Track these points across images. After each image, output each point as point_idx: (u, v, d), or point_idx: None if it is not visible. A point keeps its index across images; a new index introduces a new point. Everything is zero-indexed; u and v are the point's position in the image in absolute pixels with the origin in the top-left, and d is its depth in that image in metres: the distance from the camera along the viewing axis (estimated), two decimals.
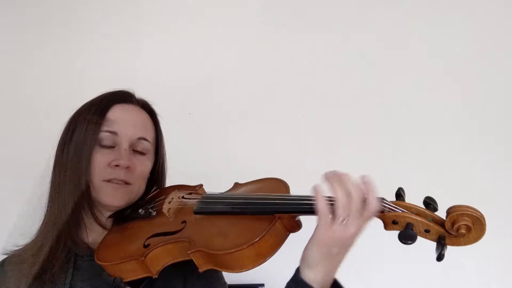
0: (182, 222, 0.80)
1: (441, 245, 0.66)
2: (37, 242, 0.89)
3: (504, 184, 1.36)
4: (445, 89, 1.41)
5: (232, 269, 0.70)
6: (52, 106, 1.51)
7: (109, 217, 0.90)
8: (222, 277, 0.94)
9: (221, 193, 0.85)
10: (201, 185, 0.93)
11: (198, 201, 0.81)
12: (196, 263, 0.73)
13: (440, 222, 0.68)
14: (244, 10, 1.57)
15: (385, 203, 0.69)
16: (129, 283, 0.80)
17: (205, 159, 1.53)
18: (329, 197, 0.67)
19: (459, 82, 1.41)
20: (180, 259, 0.77)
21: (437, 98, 1.41)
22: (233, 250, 0.67)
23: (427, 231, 0.68)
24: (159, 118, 1.00)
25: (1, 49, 1.65)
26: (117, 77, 1.53)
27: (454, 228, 0.65)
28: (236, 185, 0.89)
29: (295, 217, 0.74)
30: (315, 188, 0.68)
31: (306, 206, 0.69)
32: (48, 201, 0.89)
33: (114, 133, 0.88)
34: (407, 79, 1.43)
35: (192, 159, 1.55)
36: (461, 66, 1.41)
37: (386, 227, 0.71)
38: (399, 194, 0.73)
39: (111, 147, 0.88)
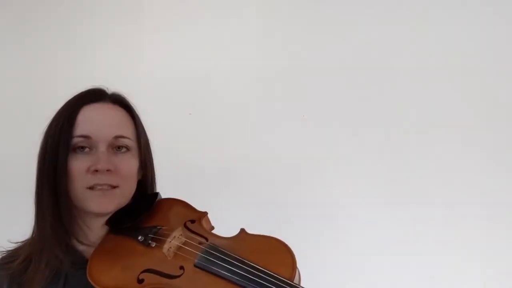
0: (180, 268, 0.75)
1: None
2: (25, 253, 0.85)
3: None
4: (449, 89, 1.40)
5: None
6: (50, 106, 1.51)
7: (106, 224, 0.86)
8: None
9: (225, 249, 0.77)
10: (205, 214, 0.87)
11: (201, 253, 0.75)
12: None
13: None
14: (244, 10, 1.57)
15: None
16: None
17: (204, 159, 1.53)
18: None
19: (464, 81, 1.39)
20: None
21: (441, 98, 1.39)
22: None
23: None
24: (142, 111, 0.92)
25: (1, 49, 1.66)
26: (117, 78, 1.51)
27: None
28: (242, 234, 0.82)
29: None
30: None
31: None
32: (34, 214, 0.85)
33: (87, 137, 0.82)
34: (410, 79, 1.42)
35: (192, 159, 1.56)
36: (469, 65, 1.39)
37: None
38: None
39: (88, 151, 0.83)
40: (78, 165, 0.81)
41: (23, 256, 0.84)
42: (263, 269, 0.70)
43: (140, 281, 0.74)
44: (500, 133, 1.36)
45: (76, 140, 0.82)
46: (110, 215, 0.85)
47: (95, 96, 0.87)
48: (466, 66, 1.40)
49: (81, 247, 0.87)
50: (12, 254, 0.88)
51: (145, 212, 0.87)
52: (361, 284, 1.38)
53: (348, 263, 1.39)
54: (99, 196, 0.81)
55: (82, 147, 0.82)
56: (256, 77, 1.54)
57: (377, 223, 1.39)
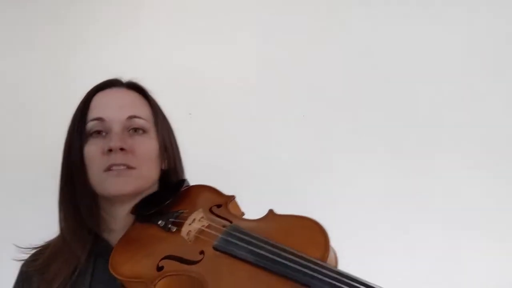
0: (200, 253, 0.70)
1: None
2: (50, 249, 0.86)
3: None
4: (453, 88, 1.40)
5: None
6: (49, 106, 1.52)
7: (131, 213, 0.84)
8: None
9: (249, 229, 0.71)
10: (233, 197, 0.83)
11: (221, 234, 0.69)
12: None
13: None
14: (244, 10, 1.57)
15: None
16: None
17: (204, 159, 1.52)
18: None
19: (470, 78, 1.38)
20: None
21: (446, 98, 1.39)
22: None
23: None
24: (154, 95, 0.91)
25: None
26: (116, 76, 1.52)
27: None
28: (270, 215, 0.77)
29: None
30: None
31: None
32: (58, 207, 0.86)
33: (100, 119, 0.81)
34: (411, 79, 1.42)
35: (192, 159, 1.55)
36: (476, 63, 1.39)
37: None
38: None
39: (104, 135, 0.82)
40: (94, 149, 0.80)
41: (48, 253, 0.85)
42: (288, 249, 0.63)
43: (160, 268, 0.71)
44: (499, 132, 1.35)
45: (90, 124, 0.82)
46: (133, 202, 0.83)
47: (108, 83, 0.88)
48: (467, 66, 1.40)
49: (108, 238, 0.86)
50: (40, 251, 0.88)
51: (170, 198, 0.84)
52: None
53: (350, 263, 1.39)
54: (115, 177, 0.79)
55: (98, 132, 0.81)
56: (257, 77, 1.54)
57: (379, 223, 1.38)
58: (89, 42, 1.63)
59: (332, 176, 1.43)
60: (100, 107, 0.83)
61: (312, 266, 0.58)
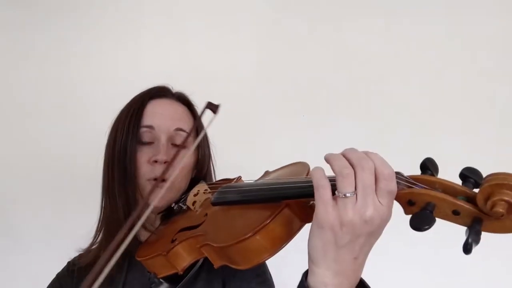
0: (205, 215, 0.78)
1: (473, 232, 0.47)
2: (95, 247, 0.91)
3: None
4: (451, 88, 1.40)
5: (238, 264, 0.62)
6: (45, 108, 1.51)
7: (158, 213, 0.92)
8: (261, 274, 0.87)
9: (243, 182, 0.80)
10: (239, 178, 0.90)
11: (216, 191, 0.76)
12: (209, 259, 0.69)
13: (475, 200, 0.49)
14: (243, 10, 1.57)
15: (400, 177, 0.54)
16: (167, 279, 0.80)
17: None
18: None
19: (470, 80, 1.40)
20: (200, 257, 0.73)
21: (444, 98, 1.41)
22: (231, 243, 0.60)
23: (455, 212, 0.49)
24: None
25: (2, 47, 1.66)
26: (118, 78, 1.52)
27: (488, 206, 0.46)
28: (266, 173, 0.86)
29: (306, 203, 0.61)
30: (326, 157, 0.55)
31: (311, 189, 0.54)
32: (102, 204, 0.90)
33: (150, 127, 0.87)
34: (411, 78, 1.43)
35: None
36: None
37: (404, 210, 0.54)
38: (425, 167, 0.54)
39: (151, 143, 0.88)
40: (142, 155, 0.86)
41: (93, 251, 0.91)
42: (271, 180, 0.69)
43: (173, 240, 0.77)
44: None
45: (141, 130, 0.87)
46: (161, 210, 0.90)
47: (160, 91, 0.94)
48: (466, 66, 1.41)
49: (142, 237, 0.92)
50: (86, 250, 0.95)
51: (184, 195, 0.90)
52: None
53: None
54: (155, 191, 0.82)
55: (146, 142, 0.87)
56: (256, 77, 1.54)
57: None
58: (91, 44, 1.64)
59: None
60: (153, 116, 0.89)
61: (281, 185, 0.63)
